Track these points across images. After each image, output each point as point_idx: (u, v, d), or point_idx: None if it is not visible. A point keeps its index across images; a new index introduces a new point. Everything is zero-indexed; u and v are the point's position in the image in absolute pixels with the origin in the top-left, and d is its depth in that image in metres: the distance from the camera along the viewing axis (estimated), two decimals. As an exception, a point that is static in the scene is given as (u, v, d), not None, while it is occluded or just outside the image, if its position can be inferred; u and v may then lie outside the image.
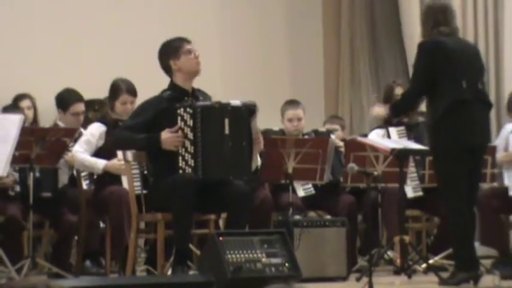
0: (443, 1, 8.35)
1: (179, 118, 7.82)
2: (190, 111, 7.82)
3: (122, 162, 8.37)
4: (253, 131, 8.01)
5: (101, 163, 8.75)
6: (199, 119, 7.84)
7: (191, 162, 7.80)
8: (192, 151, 7.81)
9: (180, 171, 7.79)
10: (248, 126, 7.97)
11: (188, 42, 8.03)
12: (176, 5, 11.42)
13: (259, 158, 8.38)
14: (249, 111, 7.96)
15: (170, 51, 8.02)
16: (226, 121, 7.88)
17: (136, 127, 7.92)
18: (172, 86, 8.03)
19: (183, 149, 7.77)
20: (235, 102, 8.01)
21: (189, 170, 7.80)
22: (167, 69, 8.04)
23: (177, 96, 7.95)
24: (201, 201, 7.82)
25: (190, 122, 7.82)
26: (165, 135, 7.77)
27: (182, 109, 7.82)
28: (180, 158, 7.80)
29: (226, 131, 7.88)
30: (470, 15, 11.38)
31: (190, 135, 7.81)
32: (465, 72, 7.91)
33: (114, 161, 8.66)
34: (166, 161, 7.86)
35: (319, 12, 12.00)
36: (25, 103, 9.70)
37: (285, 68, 11.94)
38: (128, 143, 8.07)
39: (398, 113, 8.75)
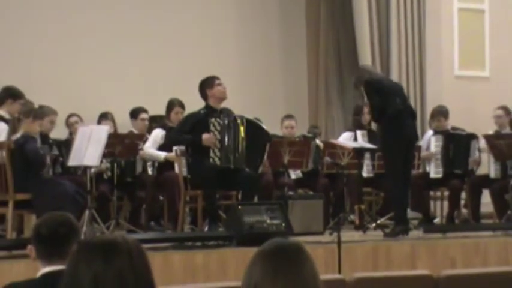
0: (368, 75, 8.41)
1: (211, 125, 7.92)
2: (219, 121, 7.93)
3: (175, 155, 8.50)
4: (266, 152, 8.13)
5: (162, 154, 8.85)
6: (224, 126, 7.93)
7: (218, 154, 7.89)
8: (219, 147, 7.89)
9: (211, 160, 7.88)
10: (263, 147, 8.07)
11: (218, 78, 8.13)
12: (206, 45, 11.34)
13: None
14: (267, 136, 8.06)
15: (207, 84, 8.10)
16: (242, 128, 7.96)
17: (184, 131, 8.05)
18: (207, 106, 8.11)
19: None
20: (257, 121, 8.17)
21: (216, 159, 7.88)
22: (204, 96, 8.12)
23: (210, 112, 8.03)
24: (225, 182, 7.90)
25: (219, 128, 7.91)
26: (205, 136, 7.87)
27: (213, 119, 7.92)
28: (211, 151, 7.89)
29: (242, 135, 7.96)
30: (403, 56, 11.39)
31: (218, 137, 7.90)
32: (396, 94, 8.02)
33: (171, 154, 8.72)
34: (201, 155, 7.93)
35: (304, 53, 11.98)
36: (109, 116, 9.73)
37: (281, 93, 11.93)
38: (180, 141, 8.23)
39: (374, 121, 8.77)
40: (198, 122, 7.98)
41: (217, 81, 8.10)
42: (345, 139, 9.73)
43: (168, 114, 9.15)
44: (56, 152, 8.40)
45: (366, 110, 9.69)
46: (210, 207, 7.93)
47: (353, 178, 9.16)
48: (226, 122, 7.95)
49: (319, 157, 9.52)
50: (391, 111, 7.86)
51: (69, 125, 9.40)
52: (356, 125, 9.84)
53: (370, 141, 9.41)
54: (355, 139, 9.65)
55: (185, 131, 8.03)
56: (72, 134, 9.00)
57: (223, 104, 8.21)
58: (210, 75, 8.20)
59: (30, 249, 3.37)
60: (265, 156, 8.29)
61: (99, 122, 9.15)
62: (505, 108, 9.73)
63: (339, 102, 11.85)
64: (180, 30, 11.29)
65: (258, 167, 8.12)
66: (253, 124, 8.11)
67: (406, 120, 8.01)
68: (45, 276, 3.28)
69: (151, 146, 8.93)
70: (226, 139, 7.92)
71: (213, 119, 7.93)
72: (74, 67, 10.58)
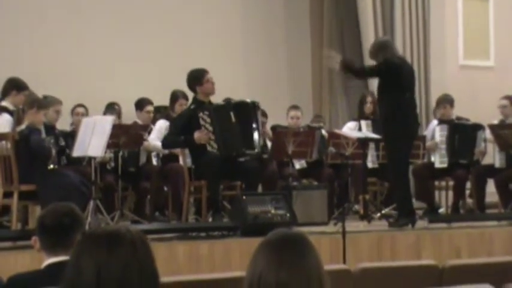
0: (386, 38, 8.37)
1: (201, 119, 7.90)
2: (207, 112, 7.90)
3: None
4: (259, 120, 8.07)
5: None
6: (213, 116, 7.90)
7: (215, 145, 7.87)
8: (214, 138, 7.87)
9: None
10: (256, 116, 8.00)
11: (207, 72, 8.10)
12: (211, 36, 11.29)
13: (270, 133, 8.41)
14: (254, 106, 8.02)
15: (197, 80, 8.07)
16: (231, 113, 7.92)
17: (176, 132, 8.05)
18: (196, 100, 8.10)
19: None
20: (242, 99, 8.10)
21: (214, 150, 7.86)
22: (193, 90, 8.11)
23: (199, 106, 8.00)
24: (228, 172, 7.89)
25: (208, 120, 7.89)
26: (196, 135, 7.85)
27: (201, 113, 7.90)
28: (207, 144, 7.87)
29: (233, 120, 7.92)
30: (408, 46, 11.38)
31: (210, 128, 7.87)
32: (409, 86, 7.94)
33: None
34: (200, 147, 7.92)
35: (308, 44, 11.96)
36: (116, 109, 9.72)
37: (285, 84, 11.90)
38: (175, 145, 8.27)
39: (353, 73, 8.50)
40: (190, 119, 7.96)
41: (206, 77, 8.05)
42: (350, 128, 9.73)
43: (172, 106, 9.15)
44: (62, 143, 8.41)
45: (368, 99, 9.70)
46: (213, 197, 7.92)
47: (358, 168, 9.15)
48: (214, 112, 7.91)
49: (323, 147, 9.51)
50: (395, 101, 7.79)
51: (74, 115, 9.37)
52: (360, 115, 9.84)
53: (374, 130, 9.39)
54: (360, 129, 9.65)
55: (178, 131, 8.02)
56: (73, 124, 9.00)
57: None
58: (199, 67, 8.16)
59: (35, 240, 3.37)
60: (261, 125, 8.19)
61: (105, 113, 9.14)
62: (510, 98, 9.72)
63: (343, 92, 11.85)
64: (187, 22, 11.25)
65: (255, 137, 8.01)
66: (239, 105, 8.06)
67: (410, 110, 7.96)
68: (50, 267, 3.28)
69: (156, 137, 8.92)
70: (218, 129, 7.88)
71: (201, 113, 7.90)
72: (80, 57, 10.55)
